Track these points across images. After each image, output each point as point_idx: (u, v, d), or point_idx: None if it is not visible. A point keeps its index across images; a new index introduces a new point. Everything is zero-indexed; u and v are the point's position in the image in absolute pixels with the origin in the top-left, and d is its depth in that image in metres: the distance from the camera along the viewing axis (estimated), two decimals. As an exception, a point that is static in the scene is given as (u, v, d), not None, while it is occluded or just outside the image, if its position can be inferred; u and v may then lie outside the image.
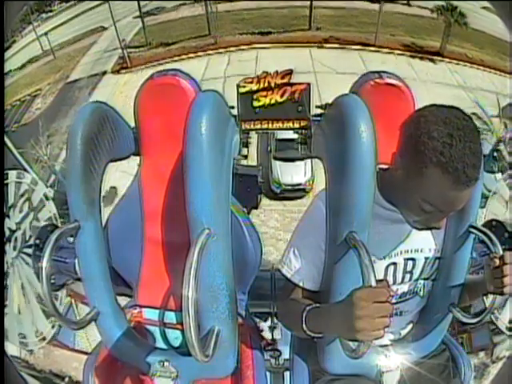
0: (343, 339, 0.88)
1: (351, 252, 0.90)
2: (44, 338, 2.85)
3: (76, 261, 1.11)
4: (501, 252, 1.02)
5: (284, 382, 1.79)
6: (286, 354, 1.87)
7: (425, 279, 1.09)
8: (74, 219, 1.04)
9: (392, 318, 0.74)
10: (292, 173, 7.00)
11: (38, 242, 2.69)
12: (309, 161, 6.92)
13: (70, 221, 1.05)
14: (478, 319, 1.07)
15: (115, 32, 8.41)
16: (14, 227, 2.83)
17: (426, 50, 8.30)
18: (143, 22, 8.62)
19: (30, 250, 2.73)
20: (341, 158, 0.91)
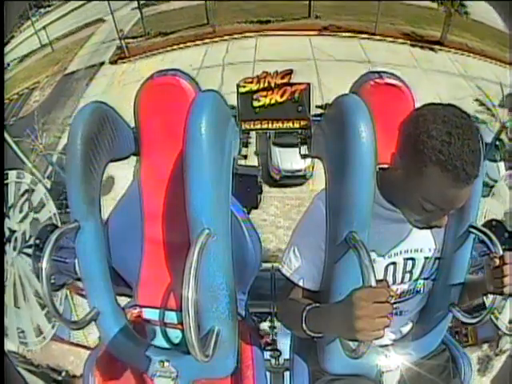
0: (343, 339, 0.88)
1: (351, 252, 0.90)
2: (44, 338, 2.85)
3: (76, 261, 1.11)
4: (501, 252, 1.02)
5: (284, 382, 1.79)
6: (286, 354, 1.87)
7: (425, 279, 1.09)
8: (73, 219, 1.04)
9: (392, 317, 0.74)
10: (291, 159, 6.79)
11: (37, 242, 2.69)
12: (309, 147, 6.91)
13: (70, 221, 1.05)
14: (478, 319, 1.07)
15: (113, 23, 8.37)
16: (14, 227, 2.83)
17: (426, 39, 8.27)
18: (141, 13, 8.58)
19: (30, 250, 2.73)
20: (341, 158, 0.91)
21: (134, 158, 1.27)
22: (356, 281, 0.84)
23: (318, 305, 0.93)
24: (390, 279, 1.04)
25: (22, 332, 2.84)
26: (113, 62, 8.60)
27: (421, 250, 1.05)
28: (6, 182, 2.86)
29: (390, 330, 1.10)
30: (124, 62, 8.53)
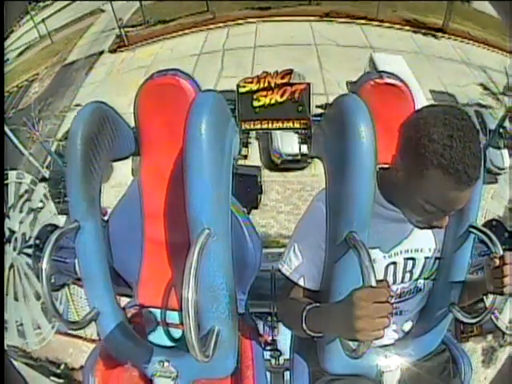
0: (343, 339, 0.88)
1: (351, 252, 0.90)
2: (44, 338, 2.85)
3: (76, 261, 1.11)
4: (501, 252, 1.02)
5: (284, 382, 1.79)
6: (286, 354, 1.87)
7: (425, 279, 1.09)
8: (73, 219, 1.04)
9: (392, 317, 0.74)
10: (293, 143, 6.66)
11: (37, 242, 2.70)
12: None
13: (70, 221, 1.05)
14: (478, 319, 1.07)
15: (112, 12, 8.34)
16: (14, 227, 2.83)
17: (428, 26, 8.26)
18: (140, 1, 8.56)
19: (30, 250, 2.73)
20: (341, 158, 0.91)
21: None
22: (356, 281, 0.84)
23: (318, 304, 0.93)
24: (390, 279, 1.04)
25: (22, 333, 2.85)
26: (112, 51, 8.57)
27: (421, 250, 1.05)
28: (5, 182, 2.86)
29: (390, 330, 1.10)
30: (123, 51, 8.48)
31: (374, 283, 0.79)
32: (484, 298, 1.10)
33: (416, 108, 1.15)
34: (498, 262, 0.91)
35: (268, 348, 1.91)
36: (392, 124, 0.95)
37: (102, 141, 1.08)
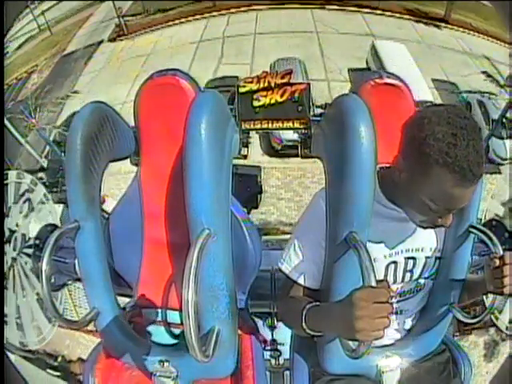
0: (343, 339, 0.88)
1: (351, 252, 0.90)
2: (44, 338, 2.85)
3: (76, 261, 1.11)
4: (501, 252, 1.02)
5: (284, 382, 1.79)
6: (286, 354, 1.87)
7: (425, 278, 1.09)
8: (73, 219, 1.04)
9: (392, 317, 0.74)
10: None
11: (37, 242, 2.70)
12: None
13: (70, 221, 1.05)
14: (477, 319, 1.07)
15: (112, 2, 8.30)
16: (14, 227, 2.83)
17: (430, 16, 8.25)
18: None
19: (30, 250, 2.73)
20: (341, 159, 0.91)
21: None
22: (356, 280, 0.84)
23: (318, 304, 0.93)
24: (390, 278, 1.04)
25: (22, 334, 2.85)
26: (111, 40, 8.53)
27: (422, 250, 1.05)
28: (5, 182, 2.86)
29: (390, 330, 1.10)
30: (122, 40, 8.44)
31: (374, 283, 0.79)
32: (484, 297, 1.10)
33: (416, 107, 1.15)
34: (498, 262, 0.91)
35: (268, 348, 1.91)
36: (392, 124, 0.95)
37: (102, 141, 1.08)
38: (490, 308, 1.04)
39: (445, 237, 1.09)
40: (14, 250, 2.74)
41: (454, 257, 1.10)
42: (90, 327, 1.12)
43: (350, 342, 0.85)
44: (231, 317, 1.04)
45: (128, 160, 1.26)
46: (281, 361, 1.91)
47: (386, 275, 1.03)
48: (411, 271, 1.06)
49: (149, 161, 1.25)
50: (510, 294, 0.91)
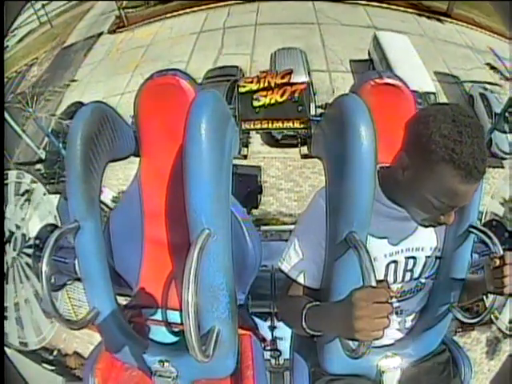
0: (343, 339, 0.88)
1: (351, 251, 0.90)
2: (44, 338, 2.85)
3: (76, 261, 1.11)
4: (501, 252, 1.02)
5: (284, 382, 1.79)
6: (286, 354, 1.87)
7: (425, 278, 1.09)
8: (73, 219, 1.04)
9: (392, 317, 0.74)
10: None
11: (37, 242, 2.70)
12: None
13: (70, 221, 1.05)
14: (478, 319, 1.07)
15: None
16: (13, 227, 2.83)
17: (432, 11, 8.24)
18: None
19: (30, 251, 2.73)
20: (341, 159, 0.91)
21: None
22: (356, 280, 0.84)
23: (318, 303, 0.93)
24: (390, 278, 1.04)
25: (22, 334, 2.84)
26: (111, 32, 8.50)
27: (422, 249, 1.05)
28: (6, 182, 2.86)
29: (390, 330, 1.10)
30: (122, 31, 8.41)
31: (374, 283, 0.79)
32: (484, 297, 1.10)
33: (417, 106, 1.15)
34: (498, 261, 0.91)
35: (268, 348, 1.91)
36: (392, 124, 0.96)
37: (102, 141, 1.08)
38: (490, 308, 1.04)
39: (445, 237, 1.09)
40: (14, 250, 2.74)
41: (454, 257, 1.10)
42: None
43: (350, 342, 0.85)
44: (231, 317, 1.04)
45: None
46: (281, 361, 1.91)
47: (386, 275, 1.03)
48: (411, 271, 1.06)
49: (149, 161, 1.25)
50: (510, 293, 0.91)
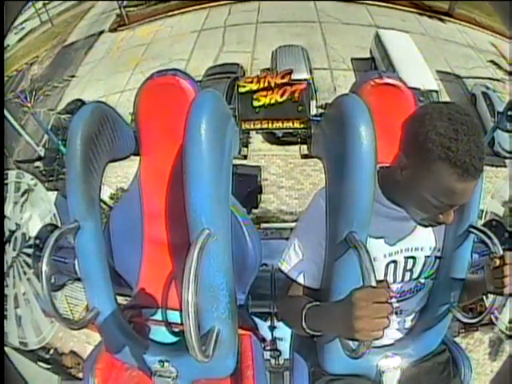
0: (343, 339, 0.88)
1: (351, 251, 0.90)
2: (44, 338, 2.85)
3: (76, 261, 1.11)
4: (501, 252, 1.02)
5: (284, 382, 1.79)
6: (286, 354, 1.87)
7: (425, 278, 1.09)
8: (73, 219, 1.04)
9: (392, 317, 0.74)
10: None
11: (37, 242, 2.69)
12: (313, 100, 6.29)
13: (70, 221, 1.05)
14: (477, 319, 1.07)
15: None
16: (13, 227, 2.83)
17: (434, 10, 8.25)
18: None
19: (29, 251, 2.73)
20: (341, 159, 0.91)
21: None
22: (356, 280, 0.84)
23: (318, 303, 0.93)
24: (390, 278, 1.04)
25: (22, 334, 2.84)
26: (112, 30, 8.51)
27: (421, 249, 1.05)
28: (5, 182, 2.86)
29: (390, 330, 1.10)
30: (123, 30, 8.42)
31: (374, 283, 0.79)
32: (484, 297, 1.10)
33: (417, 106, 1.15)
34: (498, 261, 0.91)
35: (268, 348, 1.91)
36: (392, 124, 0.95)
37: (102, 141, 1.08)
38: (490, 308, 1.04)
39: (445, 236, 1.09)
40: (14, 249, 2.74)
41: (453, 257, 1.10)
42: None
43: (350, 342, 0.85)
44: (231, 317, 1.04)
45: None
46: (281, 361, 1.91)
47: (385, 274, 1.03)
48: (411, 270, 1.06)
49: (149, 160, 1.25)
50: (510, 294, 0.91)
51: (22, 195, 2.95)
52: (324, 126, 1.06)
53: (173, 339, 1.21)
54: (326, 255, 0.99)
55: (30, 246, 2.74)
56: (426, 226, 0.97)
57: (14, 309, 2.85)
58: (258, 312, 1.79)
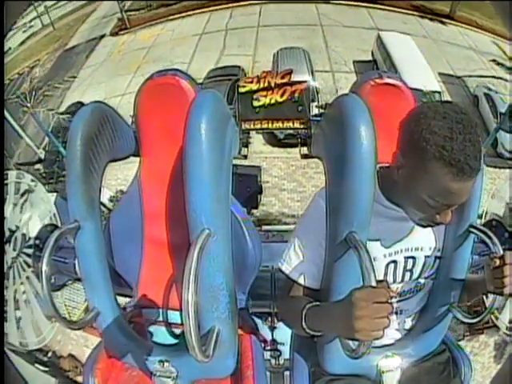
0: (343, 339, 0.88)
1: (351, 251, 0.90)
2: (44, 338, 2.85)
3: (76, 261, 1.11)
4: (501, 252, 1.02)
5: (284, 382, 1.79)
6: (286, 354, 1.87)
7: (425, 278, 1.09)
8: (73, 219, 1.04)
9: (392, 317, 0.74)
10: None
11: (37, 242, 2.70)
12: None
13: (70, 221, 1.05)
14: (478, 319, 1.07)
15: None
16: (13, 227, 2.83)
17: (435, 13, 8.29)
18: None
19: (29, 251, 2.73)
20: (341, 159, 0.91)
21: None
22: (356, 280, 0.84)
23: (318, 303, 0.93)
24: (390, 278, 1.04)
25: (22, 334, 2.84)
26: (113, 34, 8.55)
27: (421, 249, 1.05)
28: (6, 182, 2.86)
29: (390, 330, 1.10)
30: (124, 34, 8.47)
31: (374, 283, 0.79)
32: (484, 297, 1.10)
33: (416, 105, 1.15)
34: (498, 261, 0.91)
35: (268, 348, 1.91)
36: (392, 124, 0.95)
37: (102, 141, 1.08)
38: (490, 308, 1.04)
39: (445, 236, 1.09)
40: (14, 250, 2.74)
41: (453, 257, 1.10)
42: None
43: (350, 342, 0.85)
44: (231, 317, 1.04)
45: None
46: (281, 361, 1.91)
47: (385, 274, 1.03)
48: (411, 271, 1.06)
49: (149, 161, 1.25)
50: (510, 294, 0.91)
51: (22, 195, 2.95)
52: (324, 126, 1.06)
53: (173, 339, 1.21)
54: (326, 255, 0.99)
55: (30, 246, 2.75)
56: (424, 227, 0.97)
57: (13, 309, 2.85)
58: (258, 312, 1.79)
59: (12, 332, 2.81)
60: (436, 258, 1.08)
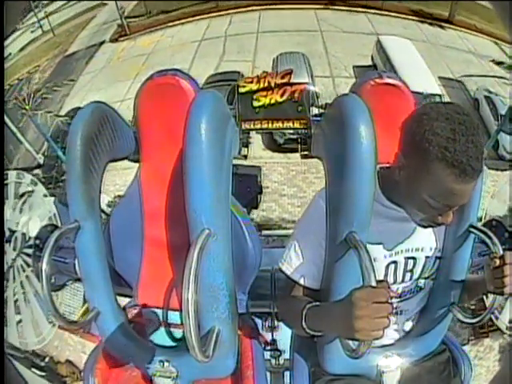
0: (343, 339, 0.88)
1: (351, 251, 0.90)
2: (44, 339, 2.85)
3: (76, 261, 1.11)
4: (501, 252, 1.02)
5: (284, 382, 1.79)
6: (286, 354, 1.87)
7: (425, 278, 1.09)
8: (73, 219, 1.04)
9: (392, 317, 0.74)
10: None
11: (37, 242, 2.70)
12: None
13: (70, 221, 1.05)
14: (478, 319, 1.07)
15: (115, 3, 8.37)
16: (14, 227, 2.83)
17: (434, 17, 8.31)
18: None
19: (30, 251, 2.73)
20: (341, 159, 0.91)
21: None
22: (356, 280, 0.84)
23: (318, 303, 0.93)
24: (390, 278, 1.04)
25: (22, 334, 2.84)
26: (113, 41, 8.59)
27: (422, 249, 1.05)
28: (5, 182, 2.86)
29: (390, 330, 1.10)
30: (124, 40, 8.50)
31: (374, 283, 0.79)
32: (484, 297, 1.10)
33: (416, 106, 1.15)
34: (498, 261, 0.91)
35: (268, 348, 1.91)
36: (392, 124, 0.95)
37: (102, 141, 1.08)
38: (490, 308, 1.04)
39: (445, 237, 1.09)
40: (14, 249, 2.74)
41: (454, 257, 1.10)
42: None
43: (350, 342, 0.85)
44: (231, 317, 1.04)
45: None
46: (281, 361, 1.91)
47: (386, 275, 1.03)
48: (411, 271, 1.06)
49: (149, 161, 1.25)
50: (510, 293, 0.91)
51: (22, 195, 2.95)
52: (324, 126, 1.06)
53: (173, 340, 1.21)
54: (326, 255, 0.99)
55: (30, 246, 2.75)
56: (425, 227, 0.97)
57: (13, 309, 2.85)
58: (258, 312, 1.79)
59: (12, 332, 2.81)
60: (436, 258, 1.08)
